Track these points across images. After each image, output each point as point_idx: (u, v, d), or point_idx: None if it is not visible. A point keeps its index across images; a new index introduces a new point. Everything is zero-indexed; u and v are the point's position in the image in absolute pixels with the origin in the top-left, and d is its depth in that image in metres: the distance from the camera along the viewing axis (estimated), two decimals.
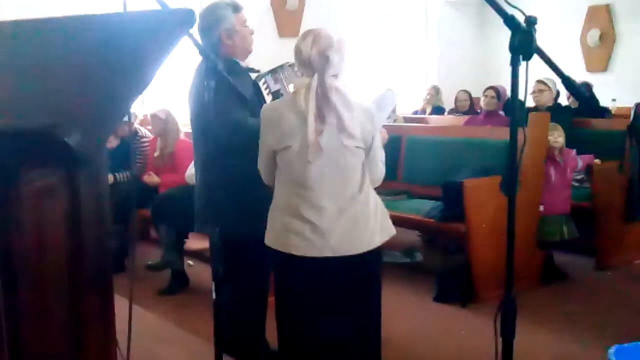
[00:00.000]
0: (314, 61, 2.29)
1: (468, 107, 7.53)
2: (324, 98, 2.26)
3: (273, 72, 3.06)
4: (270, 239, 2.44)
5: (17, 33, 1.47)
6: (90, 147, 1.09)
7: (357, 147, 2.32)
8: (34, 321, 1.45)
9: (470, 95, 7.66)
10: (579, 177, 5.29)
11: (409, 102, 8.63)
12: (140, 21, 1.36)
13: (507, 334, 1.83)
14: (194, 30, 2.65)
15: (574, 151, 4.59)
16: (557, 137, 4.47)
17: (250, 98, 2.87)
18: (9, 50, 1.42)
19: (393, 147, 4.66)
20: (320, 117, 2.26)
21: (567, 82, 1.83)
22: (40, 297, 1.47)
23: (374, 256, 2.40)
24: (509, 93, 6.26)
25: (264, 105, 2.61)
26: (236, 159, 2.79)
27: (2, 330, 1.33)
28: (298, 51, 2.34)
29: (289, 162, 2.33)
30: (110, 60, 1.24)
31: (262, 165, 2.47)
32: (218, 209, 2.57)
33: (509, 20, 1.70)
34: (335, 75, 2.32)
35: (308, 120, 2.24)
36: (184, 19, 1.35)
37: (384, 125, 2.69)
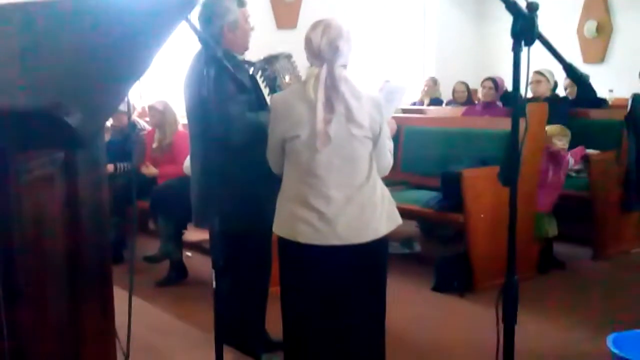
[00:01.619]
0: (323, 51, 2.31)
1: (466, 99, 7.53)
2: (332, 88, 2.28)
3: (269, 62, 3.04)
4: (278, 227, 2.45)
5: (13, 15, 1.46)
6: (90, 129, 1.08)
7: (365, 136, 2.33)
8: (33, 312, 1.44)
9: (467, 86, 7.65)
10: (575, 167, 5.29)
11: (407, 94, 8.61)
12: (139, 3, 1.35)
13: (509, 319, 1.83)
14: (194, 19, 2.63)
15: (568, 154, 4.59)
16: (565, 143, 4.50)
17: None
18: (6, 32, 1.41)
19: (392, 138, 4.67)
20: (329, 107, 2.27)
21: (569, 68, 1.83)
22: (39, 288, 1.46)
23: (380, 245, 2.41)
24: (506, 84, 6.27)
25: (273, 95, 2.61)
26: (234, 151, 2.79)
27: (0, 319, 1.32)
28: (308, 41, 2.35)
29: (298, 151, 2.34)
30: (108, 43, 1.23)
31: (271, 154, 2.48)
32: (216, 202, 2.57)
33: (511, 6, 1.69)
34: (344, 66, 2.34)
35: (317, 110, 2.25)
36: (185, 1, 1.34)
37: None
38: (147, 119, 5.40)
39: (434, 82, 8.32)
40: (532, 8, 1.68)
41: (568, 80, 6.35)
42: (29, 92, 1.13)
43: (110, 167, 5.09)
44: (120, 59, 1.18)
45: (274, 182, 2.54)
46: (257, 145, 2.71)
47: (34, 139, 1.13)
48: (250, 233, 2.92)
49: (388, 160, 2.48)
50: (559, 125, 4.55)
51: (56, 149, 1.27)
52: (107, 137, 5.17)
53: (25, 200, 1.35)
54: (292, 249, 2.40)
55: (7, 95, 1.16)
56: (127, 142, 5.20)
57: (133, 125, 5.32)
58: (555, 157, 4.46)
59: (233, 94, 2.69)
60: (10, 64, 1.26)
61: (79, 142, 1.05)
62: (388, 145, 2.47)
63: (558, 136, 4.49)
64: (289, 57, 3.11)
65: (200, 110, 2.93)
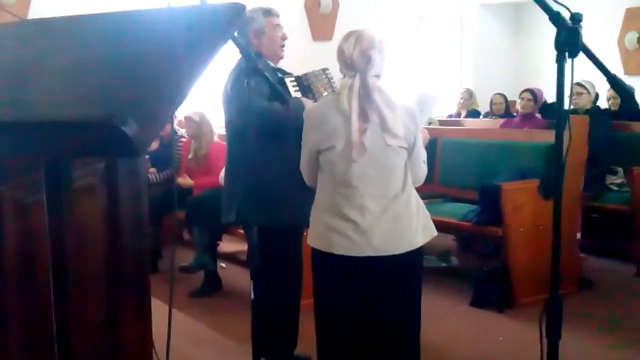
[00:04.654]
0: (356, 61, 2.30)
1: (504, 110, 7.44)
2: (366, 98, 2.27)
3: (304, 74, 3.10)
4: (312, 238, 2.44)
5: (69, 28, 1.47)
6: (145, 138, 1.08)
7: (400, 146, 2.32)
8: (77, 323, 1.45)
9: (505, 98, 7.56)
10: (618, 181, 5.18)
11: (444, 106, 8.55)
12: (193, 15, 1.36)
13: (553, 334, 1.78)
14: None
15: None
16: None
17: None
18: (60, 45, 1.42)
19: (429, 150, 4.64)
20: (363, 117, 2.27)
21: (613, 80, 1.78)
22: (80, 298, 1.47)
23: (415, 256, 2.38)
24: (545, 96, 6.15)
25: (307, 107, 2.62)
26: (254, 146, 2.78)
27: (53, 326, 1.33)
28: (340, 51, 2.35)
29: (333, 162, 2.34)
30: (163, 54, 1.23)
31: (304, 166, 2.48)
32: (241, 197, 2.59)
33: (555, 17, 1.65)
34: (378, 76, 2.34)
35: (351, 120, 2.25)
36: (235, 13, 1.34)
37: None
38: (184, 129, 5.46)
39: (469, 95, 8.22)
40: (576, 19, 1.64)
41: (611, 92, 6.23)
42: (83, 103, 1.14)
43: (152, 171, 5.20)
44: (174, 70, 1.18)
45: (295, 174, 2.54)
46: (275, 135, 2.77)
47: (86, 148, 1.14)
48: (274, 228, 2.92)
49: (423, 170, 2.47)
50: None
51: (109, 157, 1.28)
52: (156, 145, 5.26)
53: (71, 209, 1.36)
54: (327, 260, 2.38)
55: (61, 106, 1.17)
56: (168, 151, 5.26)
57: (174, 133, 5.39)
58: None
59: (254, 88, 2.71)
60: (63, 75, 1.28)
61: (134, 151, 1.06)
62: (422, 154, 2.46)
63: None
64: (324, 69, 3.14)
65: (225, 105, 3.00)
